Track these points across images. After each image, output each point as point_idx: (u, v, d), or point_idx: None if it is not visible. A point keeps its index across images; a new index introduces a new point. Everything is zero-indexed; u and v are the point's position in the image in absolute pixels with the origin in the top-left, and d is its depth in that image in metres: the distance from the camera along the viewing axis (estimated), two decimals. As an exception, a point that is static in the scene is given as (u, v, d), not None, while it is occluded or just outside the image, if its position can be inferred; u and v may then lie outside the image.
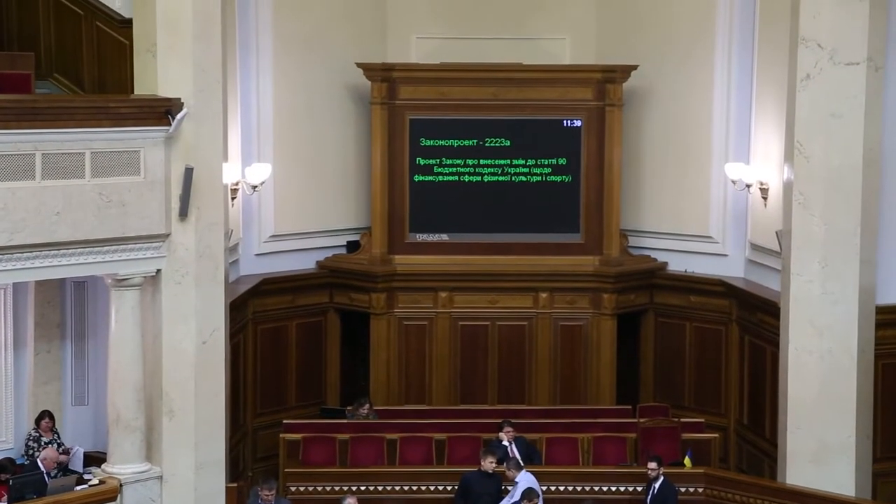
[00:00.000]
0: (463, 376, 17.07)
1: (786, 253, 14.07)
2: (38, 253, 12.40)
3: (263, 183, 16.33)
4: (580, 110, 16.98)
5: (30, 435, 13.72)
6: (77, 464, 13.47)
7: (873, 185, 13.79)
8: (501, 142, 17.05)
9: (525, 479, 13.62)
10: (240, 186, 16.05)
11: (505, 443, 14.64)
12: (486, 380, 17.09)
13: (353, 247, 17.40)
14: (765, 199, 15.95)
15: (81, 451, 13.62)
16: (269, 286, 16.62)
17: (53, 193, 12.38)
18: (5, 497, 12.46)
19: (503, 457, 14.30)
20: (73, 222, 12.50)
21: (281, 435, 15.32)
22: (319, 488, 14.47)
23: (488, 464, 13.81)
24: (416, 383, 17.04)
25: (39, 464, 13.10)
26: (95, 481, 13.07)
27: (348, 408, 16.04)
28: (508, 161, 17.05)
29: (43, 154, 12.31)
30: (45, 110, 12.53)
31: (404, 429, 15.35)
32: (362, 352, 17.23)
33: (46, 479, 12.84)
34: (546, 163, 17.04)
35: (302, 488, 14.47)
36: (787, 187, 14.04)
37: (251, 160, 16.39)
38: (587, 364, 17.00)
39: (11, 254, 12.23)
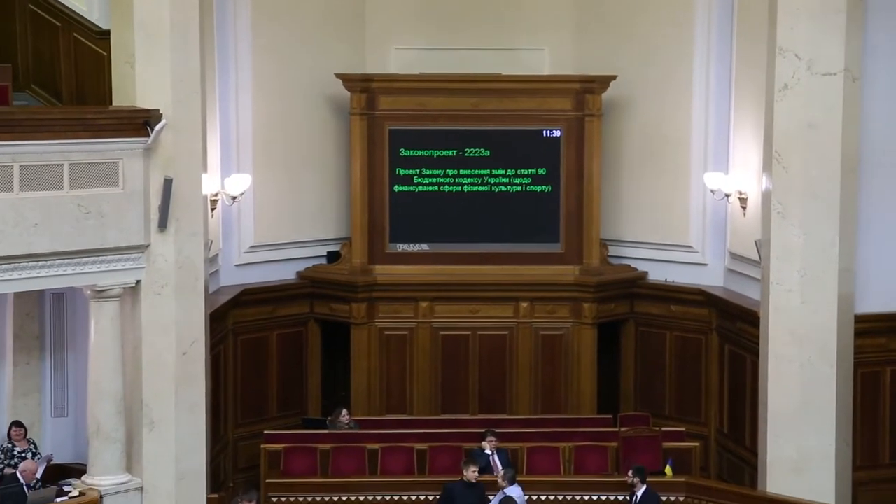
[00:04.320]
0: (444, 386, 17.06)
1: (765, 262, 14.11)
2: (17, 265, 12.35)
3: (243, 193, 16.31)
4: (559, 120, 17.01)
5: (1, 447, 13.66)
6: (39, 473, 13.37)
7: (851, 195, 13.85)
8: (481, 152, 17.06)
9: (513, 493, 13.49)
10: (219, 197, 16.03)
11: (487, 451, 14.63)
12: (466, 389, 17.08)
13: (333, 257, 17.39)
14: (744, 208, 16.00)
15: (43, 458, 13.51)
16: (250, 297, 16.60)
17: (32, 205, 12.34)
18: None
19: (486, 466, 14.29)
20: (51, 234, 12.46)
21: (262, 445, 15.27)
22: (301, 499, 14.45)
23: (471, 473, 13.72)
24: (397, 393, 17.03)
25: (19, 475, 13.03)
26: (76, 493, 13.02)
27: (329, 418, 16.04)
28: (488, 171, 17.07)
29: (21, 166, 12.26)
30: (22, 122, 12.50)
31: (385, 438, 15.33)
32: (343, 362, 17.22)
33: (26, 490, 12.78)
34: (526, 173, 17.06)
35: (283, 499, 14.45)
36: (766, 197, 14.09)
37: (231, 171, 16.36)
38: (568, 373, 17.02)
39: (-11, 266, 12.18)
